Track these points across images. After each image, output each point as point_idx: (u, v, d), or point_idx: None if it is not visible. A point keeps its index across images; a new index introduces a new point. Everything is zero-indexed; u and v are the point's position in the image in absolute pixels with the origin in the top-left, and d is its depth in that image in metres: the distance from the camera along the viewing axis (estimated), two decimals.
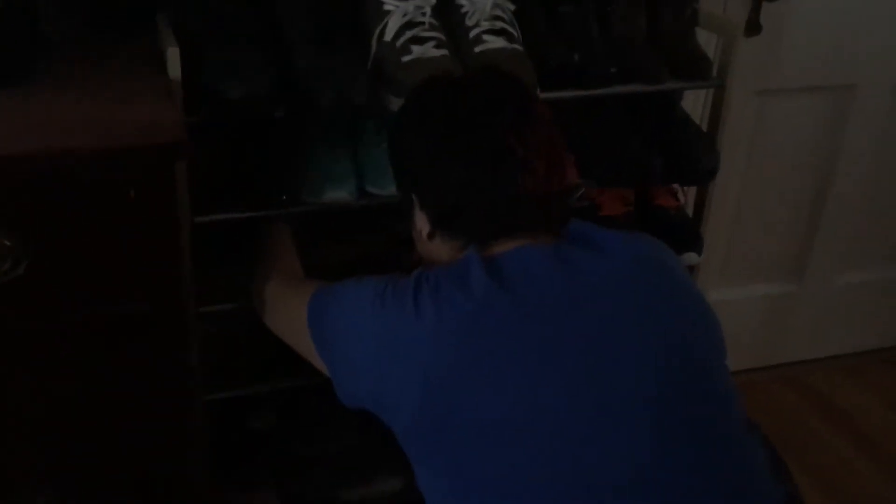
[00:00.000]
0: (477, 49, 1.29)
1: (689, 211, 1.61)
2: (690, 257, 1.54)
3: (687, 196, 1.63)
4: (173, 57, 1.14)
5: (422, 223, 1.02)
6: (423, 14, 1.28)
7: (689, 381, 0.92)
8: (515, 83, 1.07)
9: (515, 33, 1.32)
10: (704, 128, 1.55)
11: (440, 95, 1.04)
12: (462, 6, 1.31)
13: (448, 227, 1.00)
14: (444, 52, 1.27)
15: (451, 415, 0.90)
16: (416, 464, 0.97)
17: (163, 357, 1.09)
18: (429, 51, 1.26)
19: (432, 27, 1.28)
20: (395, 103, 1.26)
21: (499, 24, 1.31)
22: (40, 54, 1.17)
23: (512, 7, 1.34)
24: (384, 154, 1.36)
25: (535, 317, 0.91)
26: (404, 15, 1.27)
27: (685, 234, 1.56)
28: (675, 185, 1.60)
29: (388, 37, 1.27)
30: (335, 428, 1.56)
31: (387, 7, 1.28)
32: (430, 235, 1.02)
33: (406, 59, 1.25)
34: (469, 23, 1.31)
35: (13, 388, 1.03)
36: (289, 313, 1.11)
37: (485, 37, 1.30)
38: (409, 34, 1.26)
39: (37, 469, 1.12)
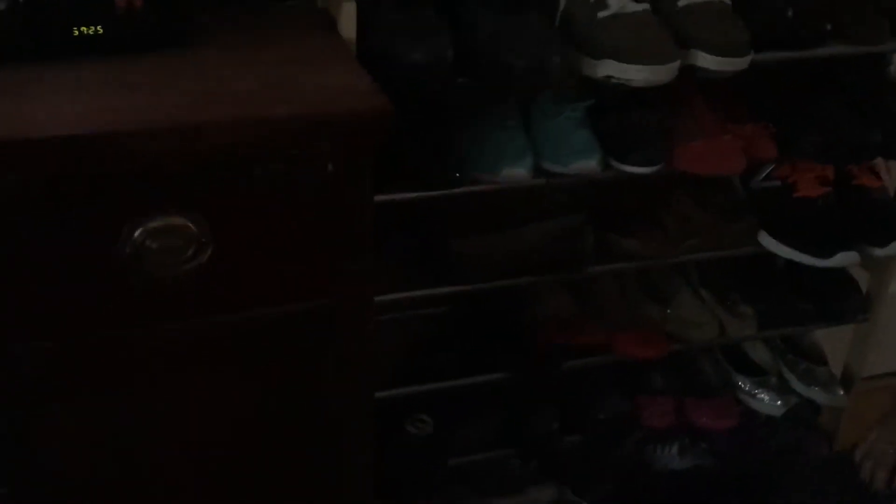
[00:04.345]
0: (681, 3, 1.12)
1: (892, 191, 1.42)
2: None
3: (891, 174, 1.44)
4: (348, 14, 1.00)
5: None
6: None
7: None
8: None
9: None
10: None
11: None
12: None
13: None
14: (644, 6, 1.10)
15: None
16: None
17: (339, 354, 0.95)
18: (627, 5, 1.09)
19: None
20: (589, 66, 1.10)
21: None
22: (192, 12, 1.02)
23: None
24: (562, 126, 1.21)
25: None
26: None
27: (888, 217, 1.37)
28: (878, 162, 1.40)
29: None
30: (487, 433, 1.42)
31: None
32: None
33: (602, 14, 1.09)
34: None
35: (183, 388, 0.90)
36: None
37: None
38: None
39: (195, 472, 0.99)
